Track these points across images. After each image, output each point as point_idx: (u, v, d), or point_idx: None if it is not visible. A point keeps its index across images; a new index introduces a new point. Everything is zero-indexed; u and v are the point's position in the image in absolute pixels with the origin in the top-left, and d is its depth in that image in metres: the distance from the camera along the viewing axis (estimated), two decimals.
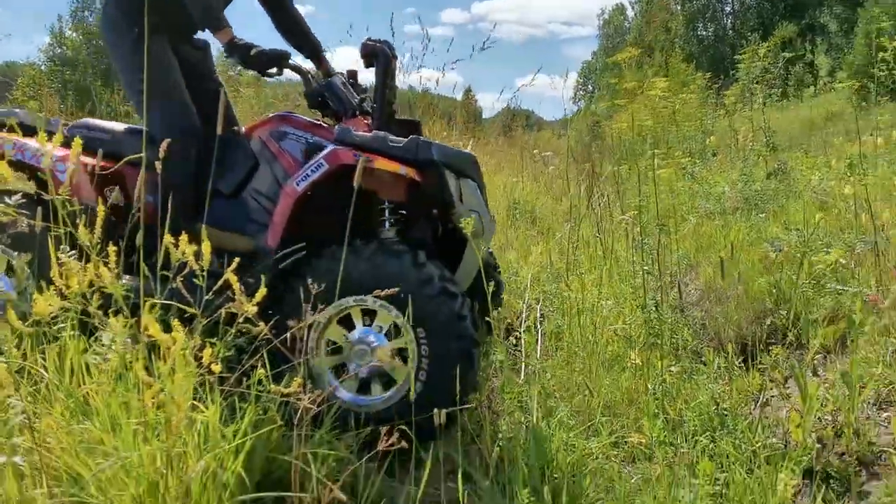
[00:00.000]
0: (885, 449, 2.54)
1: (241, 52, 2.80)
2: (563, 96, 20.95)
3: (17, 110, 3.16)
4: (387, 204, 2.78)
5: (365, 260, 2.48)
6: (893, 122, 6.51)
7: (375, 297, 2.14)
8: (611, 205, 5.95)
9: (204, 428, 1.73)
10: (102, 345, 1.75)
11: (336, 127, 2.75)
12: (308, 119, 2.99)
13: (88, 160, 2.72)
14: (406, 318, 2.45)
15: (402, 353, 2.60)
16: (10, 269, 2.80)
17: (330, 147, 2.61)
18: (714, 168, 7.53)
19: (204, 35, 3.31)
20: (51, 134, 2.68)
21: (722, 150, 8.51)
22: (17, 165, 2.68)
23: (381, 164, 2.52)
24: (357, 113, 2.96)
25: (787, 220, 4.74)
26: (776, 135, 8.79)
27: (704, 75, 17.56)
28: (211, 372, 1.62)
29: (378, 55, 2.89)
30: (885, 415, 2.73)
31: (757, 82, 11.11)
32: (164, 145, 2.05)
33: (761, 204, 5.50)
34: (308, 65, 3.24)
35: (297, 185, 2.58)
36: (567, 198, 6.79)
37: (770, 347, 3.61)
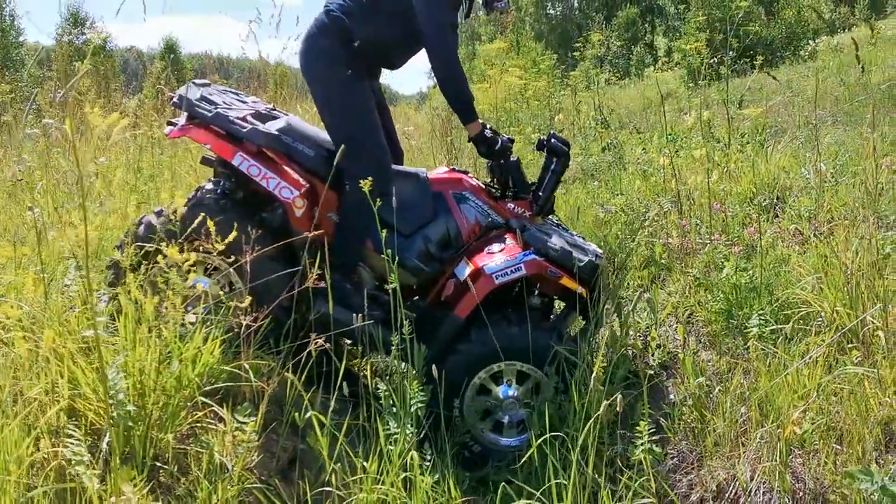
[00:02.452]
0: (675, 352, 3.36)
1: (488, 145, 3.25)
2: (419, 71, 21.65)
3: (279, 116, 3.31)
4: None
5: (531, 331, 2.99)
6: (706, 103, 7.57)
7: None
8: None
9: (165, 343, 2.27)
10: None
11: (526, 232, 3.14)
12: (481, 184, 3.44)
13: (299, 182, 3.09)
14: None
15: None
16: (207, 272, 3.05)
17: (531, 256, 3.05)
18: None
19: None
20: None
21: (566, 126, 9.41)
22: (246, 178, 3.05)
23: (566, 281, 3.07)
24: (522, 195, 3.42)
25: (615, 187, 5.60)
26: (616, 112, 9.78)
27: (552, 55, 18.69)
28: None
29: (560, 155, 3.36)
30: (676, 326, 3.56)
31: (601, 64, 12.17)
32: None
33: (596, 174, 6.38)
34: None
35: (497, 279, 3.04)
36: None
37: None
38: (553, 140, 3.36)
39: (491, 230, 3.32)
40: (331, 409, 2.41)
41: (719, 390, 2.60)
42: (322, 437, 2.28)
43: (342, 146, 2.84)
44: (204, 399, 2.28)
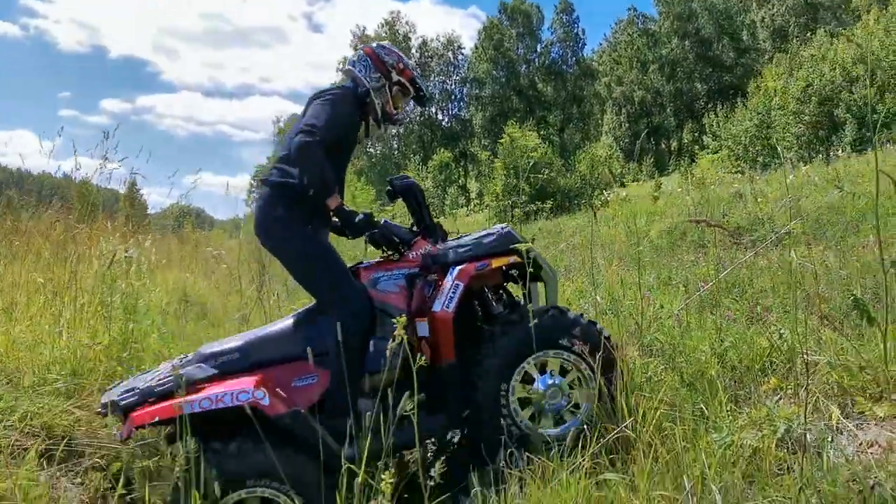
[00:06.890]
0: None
1: (347, 217, 3.25)
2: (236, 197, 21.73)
3: None
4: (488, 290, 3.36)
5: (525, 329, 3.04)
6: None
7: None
8: (280, 301, 6.59)
9: None
10: None
11: (426, 253, 3.32)
12: (380, 259, 3.47)
13: (247, 380, 3.02)
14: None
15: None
16: None
17: (455, 270, 3.16)
18: None
19: None
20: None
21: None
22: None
23: (497, 261, 3.14)
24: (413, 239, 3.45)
25: None
26: None
27: (371, 190, 19.44)
28: None
29: (414, 191, 3.49)
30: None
31: None
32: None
33: None
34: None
35: (448, 307, 3.10)
36: (237, 293, 7.39)
37: None
38: (397, 182, 3.57)
39: (414, 282, 3.37)
40: None
41: (496, 501, 2.75)
42: None
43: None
44: None
